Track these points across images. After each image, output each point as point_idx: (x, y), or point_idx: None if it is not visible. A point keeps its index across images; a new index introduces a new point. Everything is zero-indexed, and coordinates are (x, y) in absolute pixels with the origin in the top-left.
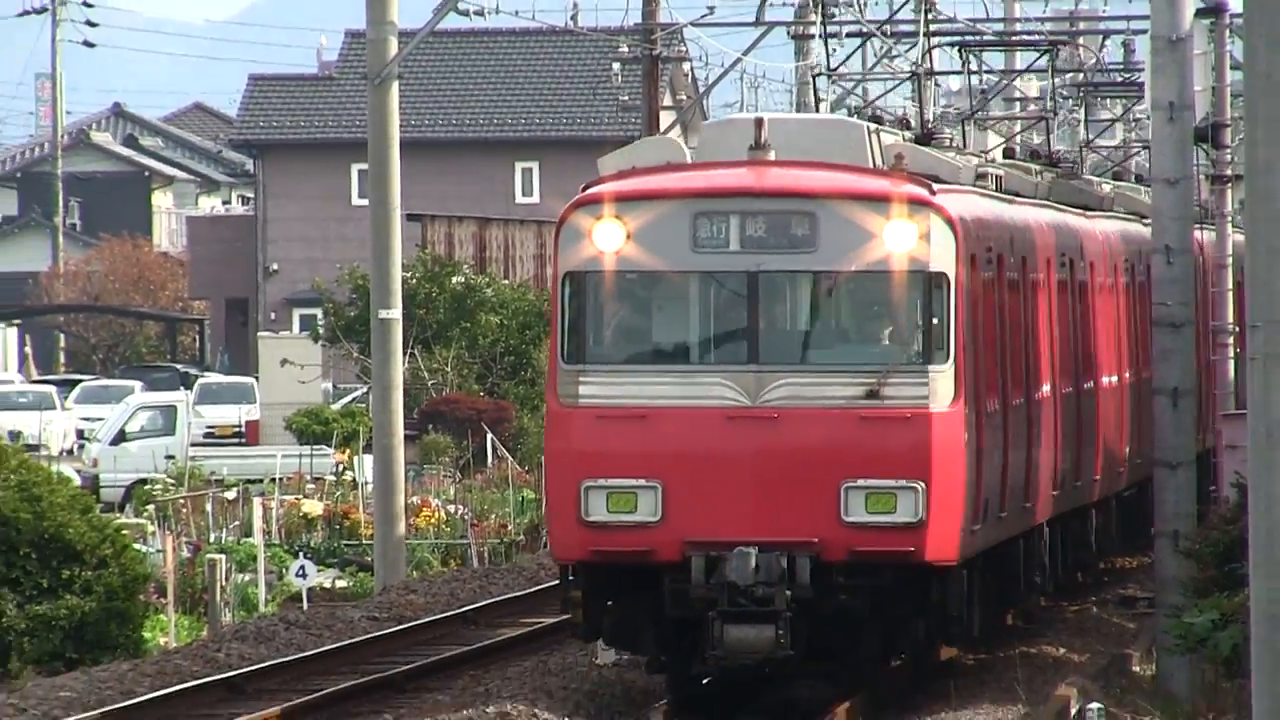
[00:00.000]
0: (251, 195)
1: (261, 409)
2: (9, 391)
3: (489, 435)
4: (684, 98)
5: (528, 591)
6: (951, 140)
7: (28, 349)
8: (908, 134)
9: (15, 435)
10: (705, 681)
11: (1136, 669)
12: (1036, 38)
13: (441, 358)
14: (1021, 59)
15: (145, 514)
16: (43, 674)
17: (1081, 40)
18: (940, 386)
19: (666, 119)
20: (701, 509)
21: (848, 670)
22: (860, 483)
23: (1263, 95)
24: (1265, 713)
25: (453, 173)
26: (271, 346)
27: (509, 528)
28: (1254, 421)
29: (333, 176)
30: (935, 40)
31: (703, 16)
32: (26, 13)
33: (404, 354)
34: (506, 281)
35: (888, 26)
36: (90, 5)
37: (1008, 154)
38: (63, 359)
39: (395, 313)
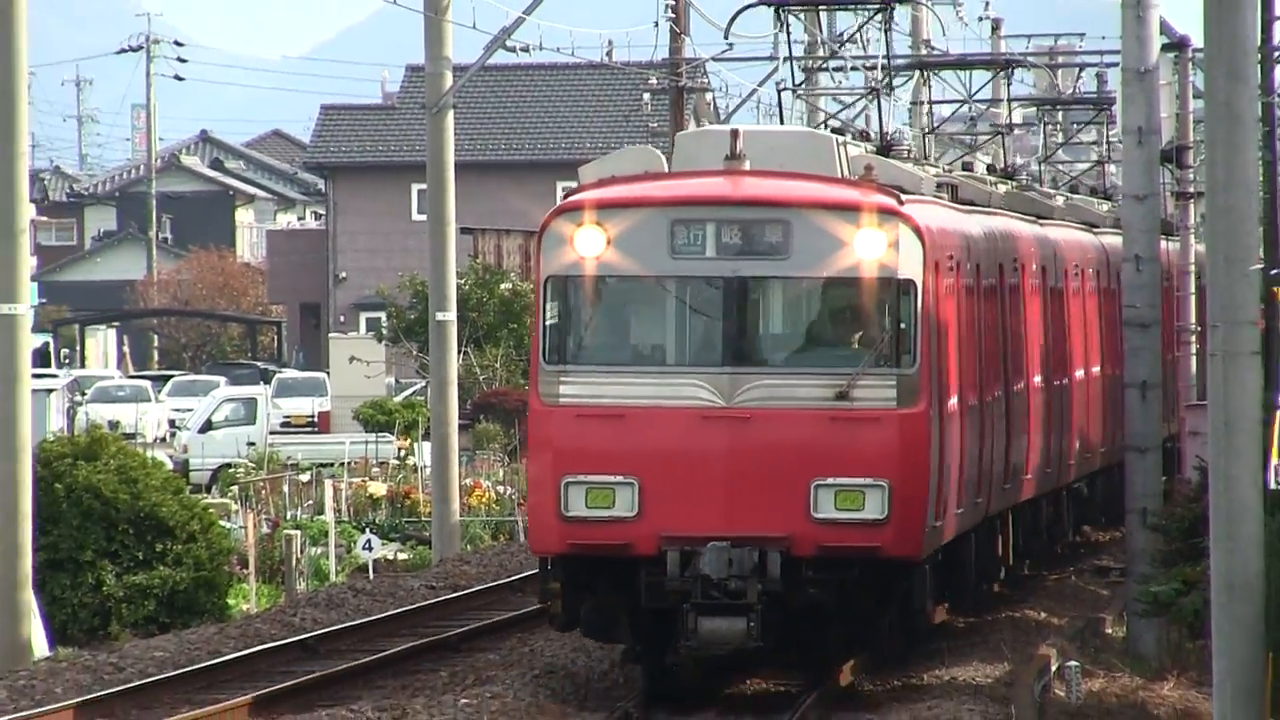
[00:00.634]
0: (323, 212)
1: (332, 401)
2: (109, 386)
3: None
4: (707, 124)
5: None
6: (910, 152)
7: (125, 348)
8: (869, 146)
9: (114, 425)
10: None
11: (1109, 631)
12: (987, 57)
13: (491, 355)
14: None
15: (229, 494)
16: (139, 637)
17: (1060, 70)
18: (907, 388)
19: None
20: (677, 505)
21: (814, 661)
22: (830, 481)
23: (1221, 121)
24: (1224, 670)
25: (501, 191)
26: (341, 346)
27: None
28: (1214, 411)
29: (395, 195)
30: (896, 61)
31: (723, 52)
32: (124, 50)
33: (458, 352)
34: None
35: (855, 49)
36: (180, 44)
37: (967, 166)
38: (156, 357)
39: (450, 315)
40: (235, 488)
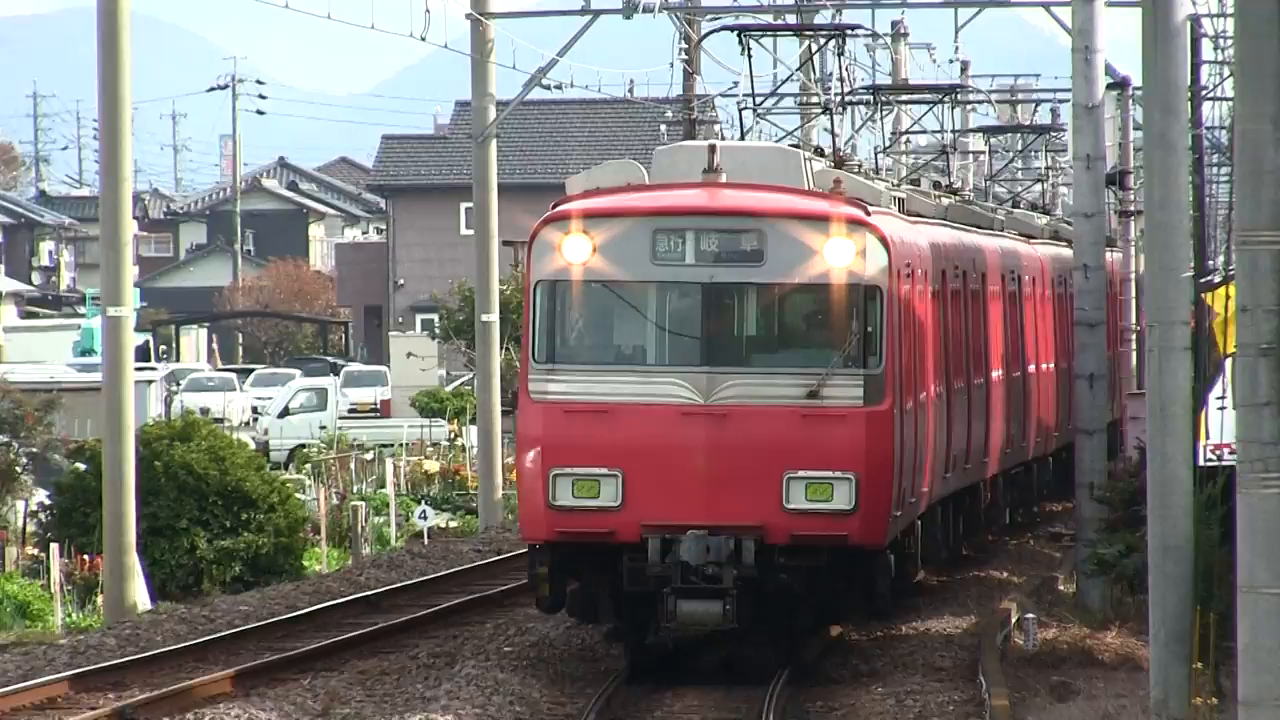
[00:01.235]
0: (384, 227)
1: (392, 391)
2: (200, 377)
3: None
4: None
5: None
6: (860, 166)
7: (214, 345)
8: (826, 161)
9: (205, 411)
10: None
11: (1061, 588)
12: (933, 83)
13: None
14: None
15: (304, 471)
16: (227, 593)
17: (1019, 105)
18: (873, 388)
19: None
20: (658, 495)
21: (784, 640)
22: (801, 473)
23: (1157, 149)
24: (1158, 620)
25: (537, 209)
26: (399, 343)
27: None
28: (1151, 399)
29: (446, 213)
30: (851, 86)
31: (729, 89)
32: (214, 88)
33: (500, 349)
34: None
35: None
36: (262, 82)
37: (914, 182)
38: (240, 352)
39: (494, 317)
40: (309, 465)
